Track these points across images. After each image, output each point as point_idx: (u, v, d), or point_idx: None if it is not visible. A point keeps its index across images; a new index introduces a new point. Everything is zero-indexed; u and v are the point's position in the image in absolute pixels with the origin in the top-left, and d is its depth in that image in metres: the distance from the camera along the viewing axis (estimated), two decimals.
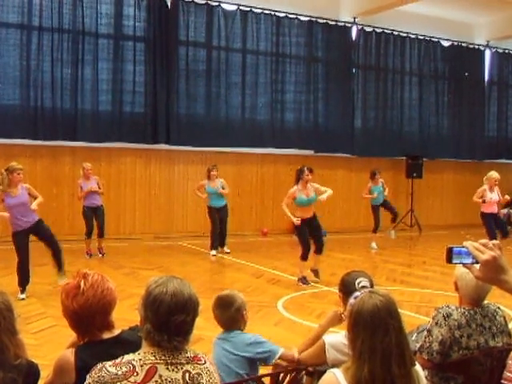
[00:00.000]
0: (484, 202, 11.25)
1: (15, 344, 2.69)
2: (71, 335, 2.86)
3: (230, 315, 3.55)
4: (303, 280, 9.01)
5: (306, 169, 9.02)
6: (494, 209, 11.44)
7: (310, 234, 9.15)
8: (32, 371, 2.69)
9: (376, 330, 2.26)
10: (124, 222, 14.18)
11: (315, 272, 9.26)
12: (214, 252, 11.99)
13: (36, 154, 12.99)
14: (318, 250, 9.22)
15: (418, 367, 2.43)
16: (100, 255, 11.29)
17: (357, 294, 2.44)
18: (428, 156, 17.42)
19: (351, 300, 2.44)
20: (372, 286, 3.42)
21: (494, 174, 11.32)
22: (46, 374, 2.77)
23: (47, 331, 6.19)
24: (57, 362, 2.65)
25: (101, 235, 11.35)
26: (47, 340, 5.84)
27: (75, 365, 2.54)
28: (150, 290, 2.32)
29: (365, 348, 2.24)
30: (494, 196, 11.32)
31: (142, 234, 14.23)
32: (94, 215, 11.20)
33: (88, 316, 2.63)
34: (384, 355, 2.23)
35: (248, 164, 15.56)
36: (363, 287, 3.32)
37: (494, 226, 11.42)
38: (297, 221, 8.90)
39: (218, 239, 12.11)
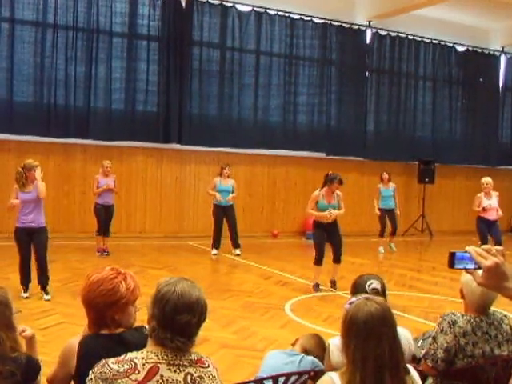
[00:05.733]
0: (484, 209, 11.05)
1: (12, 339, 2.71)
2: (78, 332, 2.87)
3: (318, 354, 3.56)
4: (316, 287, 8.79)
5: (336, 180, 8.61)
6: (490, 214, 11.11)
7: (328, 242, 8.91)
8: (31, 365, 2.71)
9: (369, 338, 2.25)
10: (135, 221, 14.23)
11: (332, 283, 8.94)
12: (214, 251, 11.98)
13: (48, 152, 13.06)
14: (336, 260, 8.93)
15: (414, 374, 2.41)
16: (105, 253, 11.30)
17: (353, 299, 2.43)
18: (440, 161, 17.34)
19: (346, 305, 2.43)
20: (384, 288, 3.40)
21: (482, 179, 11.18)
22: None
23: (54, 328, 6.22)
24: (62, 350, 2.71)
25: (106, 234, 11.40)
26: (55, 337, 5.86)
27: (78, 353, 2.58)
28: (159, 289, 2.36)
29: (357, 355, 2.24)
30: (492, 202, 11.09)
31: (152, 232, 14.26)
32: (104, 213, 11.26)
33: (87, 309, 2.70)
34: (376, 364, 2.22)
35: (259, 165, 15.56)
36: (374, 289, 3.31)
37: (488, 232, 11.13)
38: (329, 212, 8.52)
39: (230, 239, 12.14)
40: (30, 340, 3.01)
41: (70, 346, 2.65)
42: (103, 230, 11.31)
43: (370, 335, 2.25)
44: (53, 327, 6.26)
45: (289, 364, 3.40)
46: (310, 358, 3.44)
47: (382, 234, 13.35)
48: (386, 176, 13.32)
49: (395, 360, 2.26)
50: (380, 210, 13.32)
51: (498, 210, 11.19)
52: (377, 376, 2.20)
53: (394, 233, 13.49)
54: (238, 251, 12.01)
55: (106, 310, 2.67)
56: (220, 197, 11.83)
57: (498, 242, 10.62)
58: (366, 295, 2.45)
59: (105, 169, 11.25)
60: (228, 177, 12.06)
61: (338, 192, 8.84)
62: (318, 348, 3.58)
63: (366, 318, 2.29)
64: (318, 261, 8.81)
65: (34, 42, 12.90)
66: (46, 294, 7.69)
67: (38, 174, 7.66)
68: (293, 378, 3.05)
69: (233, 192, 12.03)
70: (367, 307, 2.32)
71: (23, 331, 2.98)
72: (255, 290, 8.78)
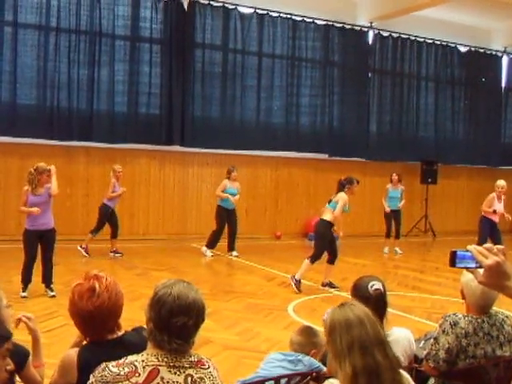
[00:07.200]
0: (495, 212, 11.06)
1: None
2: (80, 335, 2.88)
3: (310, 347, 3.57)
4: (296, 282, 8.79)
5: (356, 181, 9.04)
6: (497, 217, 11.18)
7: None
8: (16, 353, 2.71)
9: (351, 325, 2.28)
10: (138, 223, 14.24)
11: (329, 284, 9.05)
12: (210, 253, 11.98)
13: (51, 154, 13.04)
14: (332, 261, 9.09)
15: (406, 375, 2.41)
16: (118, 255, 11.39)
17: (328, 310, 2.45)
18: (443, 161, 17.32)
19: (325, 316, 2.45)
20: (384, 289, 3.41)
21: (498, 182, 11.20)
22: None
23: (58, 330, 6.23)
24: (61, 361, 2.69)
25: (115, 236, 11.47)
26: (58, 339, 5.86)
27: (78, 364, 2.57)
28: (156, 291, 2.36)
29: (343, 345, 2.25)
30: (501, 206, 11.13)
31: (155, 234, 14.28)
32: (111, 216, 11.39)
33: (102, 318, 2.65)
34: (362, 346, 2.23)
35: (262, 167, 15.56)
36: (376, 290, 3.32)
37: (489, 234, 11.11)
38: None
39: (228, 242, 12.19)
40: (34, 339, 3.03)
41: (68, 357, 2.64)
42: (114, 233, 11.43)
43: (352, 322, 2.28)
44: (56, 329, 6.27)
45: (283, 361, 3.42)
46: (307, 357, 3.45)
47: (387, 235, 13.36)
48: (395, 177, 13.36)
49: (381, 340, 2.28)
50: (386, 212, 13.36)
51: (504, 214, 11.23)
52: (366, 357, 2.21)
53: (397, 236, 13.52)
54: (235, 253, 12.05)
55: (119, 314, 2.72)
56: (233, 200, 11.91)
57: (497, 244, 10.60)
58: (342, 302, 2.46)
59: (117, 173, 11.37)
60: (235, 179, 12.09)
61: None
62: (307, 339, 3.60)
63: (345, 314, 2.32)
64: (315, 259, 8.91)
65: (36, 45, 12.93)
66: (51, 290, 7.91)
67: (53, 171, 7.96)
68: (294, 379, 3.06)
69: (237, 194, 12.08)
70: (344, 308, 2.37)
71: (24, 316, 2.99)
72: (258, 292, 8.79)
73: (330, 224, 8.94)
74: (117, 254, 11.40)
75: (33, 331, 3.03)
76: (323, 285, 9.08)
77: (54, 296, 7.78)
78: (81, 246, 11.31)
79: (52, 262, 8.01)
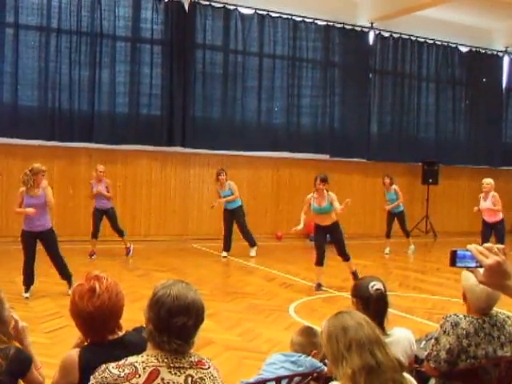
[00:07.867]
0: (478, 210, 11.26)
1: (2, 332, 2.73)
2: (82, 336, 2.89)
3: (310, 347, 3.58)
4: (318, 287, 8.92)
5: (318, 178, 8.92)
6: (487, 216, 11.20)
7: (331, 242, 9.19)
8: (19, 359, 2.72)
9: (348, 329, 2.29)
10: (139, 224, 14.25)
11: (354, 274, 9.04)
12: (224, 254, 12.03)
13: (53, 156, 13.09)
14: (343, 259, 9.17)
15: (410, 378, 2.41)
16: (131, 254, 11.46)
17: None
18: (444, 162, 17.31)
19: (323, 325, 2.46)
20: (385, 290, 3.41)
21: (483, 180, 11.24)
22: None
23: (60, 331, 6.23)
24: (62, 362, 2.69)
25: (120, 235, 11.49)
26: (60, 340, 5.88)
27: (79, 365, 2.58)
28: (155, 292, 2.37)
29: (340, 348, 2.25)
30: (486, 204, 11.12)
31: (157, 235, 14.28)
32: (103, 217, 11.37)
33: (103, 318, 2.66)
34: (360, 344, 2.23)
35: (263, 168, 15.57)
36: (377, 290, 3.32)
37: (491, 233, 11.16)
38: (298, 228, 8.96)
39: (230, 241, 12.20)
40: (22, 331, 3.02)
41: (70, 358, 2.65)
42: (117, 233, 11.43)
43: (349, 325, 2.30)
44: (58, 330, 6.29)
45: (286, 362, 3.42)
46: (309, 358, 3.46)
47: (387, 236, 13.37)
48: (387, 180, 13.30)
49: (379, 339, 2.28)
50: (388, 213, 13.38)
51: (494, 211, 11.17)
52: (366, 357, 2.21)
53: (406, 235, 13.57)
54: (252, 252, 12.13)
55: (120, 315, 2.73)
56: (223, 201, 11.97)
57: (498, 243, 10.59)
58: (338, 311, 2.47)
59: (98, 173, 11.29)
60: (226, 180, 12.09)
61: (330, 193, 9.00)
62: (308, 340, 3.61)
63: (343, 321, 2.33)
64: (319, 261, 8.98)
65: (38, 46, 12.96)
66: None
67: (45, 182, 7.84)
68: (295, 380, 3.07)
69: (232, 194, 12.06)
70: (340, 315, 2.38)
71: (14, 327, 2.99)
72: (259, 292, 8.79)
73: (316, 225, 9.06)
74: (130, 254, 11.48)
75: (18, 341, 3.01)
76: (352, 272, 9.10)
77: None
78: (126, 247, 11.51)
79: (60, 256, 7.96)
